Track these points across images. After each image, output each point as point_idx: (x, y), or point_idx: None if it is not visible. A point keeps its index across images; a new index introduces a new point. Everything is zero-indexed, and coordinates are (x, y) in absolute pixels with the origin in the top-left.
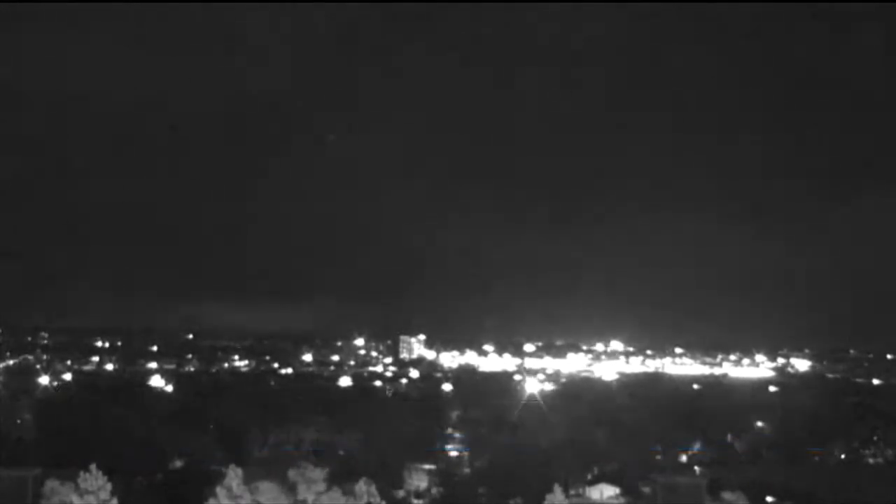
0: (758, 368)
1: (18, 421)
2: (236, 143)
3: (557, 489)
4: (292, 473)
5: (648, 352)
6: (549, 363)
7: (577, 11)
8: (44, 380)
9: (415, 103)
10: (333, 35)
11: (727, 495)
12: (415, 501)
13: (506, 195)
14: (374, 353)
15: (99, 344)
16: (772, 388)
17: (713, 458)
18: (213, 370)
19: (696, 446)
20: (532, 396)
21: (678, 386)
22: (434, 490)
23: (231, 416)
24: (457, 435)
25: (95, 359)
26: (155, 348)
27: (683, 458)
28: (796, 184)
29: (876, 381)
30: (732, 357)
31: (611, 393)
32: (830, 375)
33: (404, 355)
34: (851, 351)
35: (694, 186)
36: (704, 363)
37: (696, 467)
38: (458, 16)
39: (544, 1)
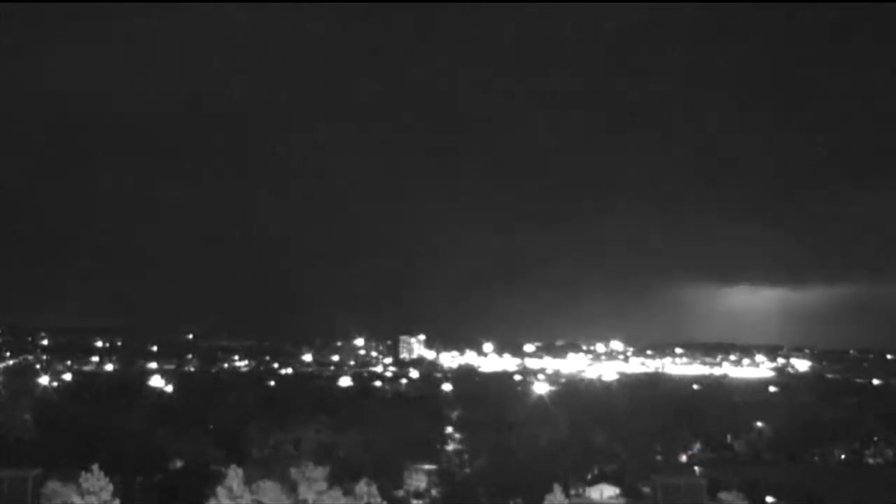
0: (758, 368)
1: (18, 421)
2: (236, 144)
3: (557, 489)
4: (293, 473)
5: (648, 352)
6: (549, 363)
7: (574, 9)
8: (44, 380)
9: (414, 106)
10: (326, 38)
11: (727, 495)
12: (415, 501)
13: (506, 195)
14: (374, 354)
15: (99, 344)
16: (772, 389)
17: (713, 458)
18: (213, 370)
19: (696, 446)
20: (533, 397)
21: (678, 386)
22: (434, 490)
23: (231, 417)
24: (457, 435)
25: (95, 359)
26: (155, 348)
27: (683, 458)
28: (795, 181)
29: (876, 381)
30: (732, 357)
31: (611, 393)
32: (830, 375)
33: (404, 355)
34: (851, 351)
35: (694, 185)
36: (704, 363)
37: (696, 467)
38: (451, 15)
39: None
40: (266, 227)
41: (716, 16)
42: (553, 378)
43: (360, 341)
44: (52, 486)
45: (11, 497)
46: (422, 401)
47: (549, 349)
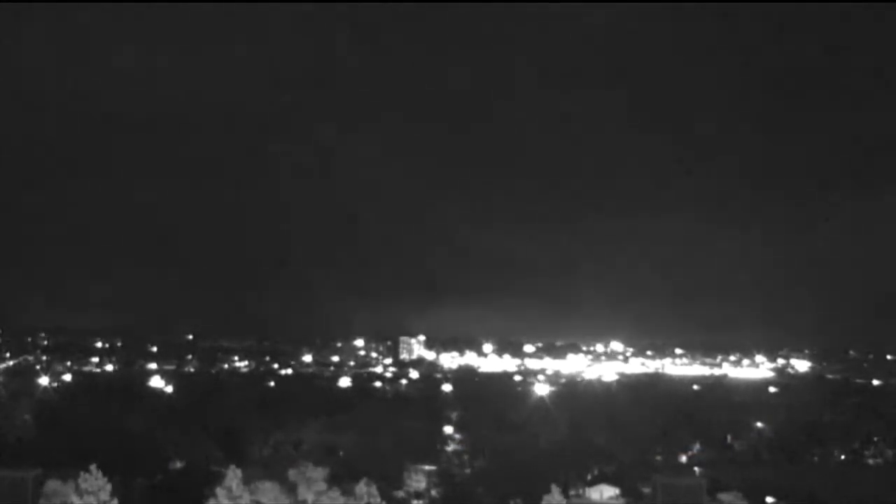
0: (758, 369)
1: (18, 421)
2: (235, 144)
3: (555, 490)
4: (292, 473)
5: (648, 352)
6: (549, 364)
7: (576, 7)
8: (43, 380)
9: (412, 107)
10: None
11: (727, 495)
12: (414, 502)
13: (507, 196)
14: (374, 354)
15: (99, 344)
16: (772, 389)
17: (713, 458)
18: (213, 371)
19: (696, 446)
20: (533, 398)
21: (678, 386)
22: (434, 490)
23: (231, 417)
24: (457, 435)
25: (95, 359)
26: (155, 349)
27: (683, 458)
28: (796, 186)
29: (876, 382)
30: (732, 357)
31: (611, 393)
32: (830, 376)
33: (404, 356)
34: (851, 351)
35: (694, 188)
36: (704, 364)
37: (695, 467)
38: (453, 13)
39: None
40: (267, 227)
41: (711, 21)
42: (553, 379)
43: (360, 341)
44: (52, 485)
45: (11, 497)
46: (422, 401)
47: (549, 350)
